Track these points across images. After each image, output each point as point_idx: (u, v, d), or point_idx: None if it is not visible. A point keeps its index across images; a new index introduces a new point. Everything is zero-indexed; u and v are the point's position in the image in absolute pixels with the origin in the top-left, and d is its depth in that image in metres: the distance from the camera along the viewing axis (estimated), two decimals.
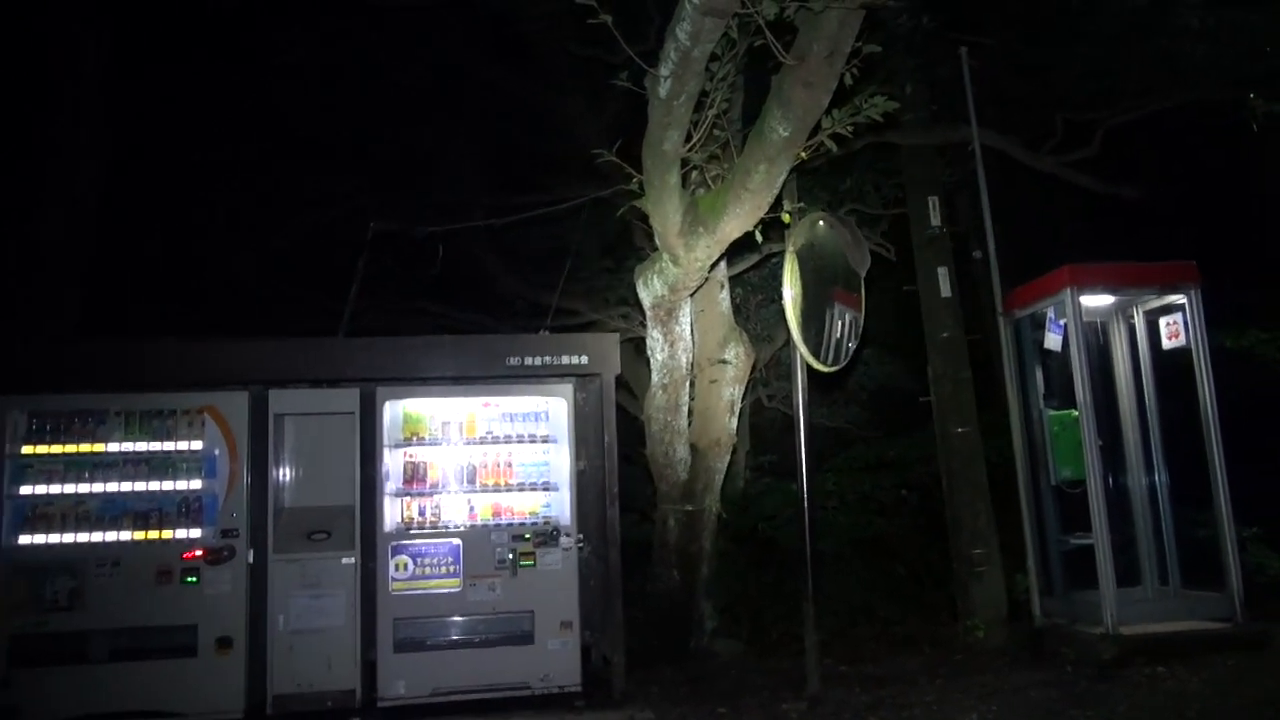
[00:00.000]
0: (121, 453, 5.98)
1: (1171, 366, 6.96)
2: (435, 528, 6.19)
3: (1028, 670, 6.43)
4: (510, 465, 6.37)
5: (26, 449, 5.90)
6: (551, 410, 6.44)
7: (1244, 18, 7.16)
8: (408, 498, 6.25)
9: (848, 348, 5.79)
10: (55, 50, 8.61)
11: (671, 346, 7.27)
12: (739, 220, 6.03)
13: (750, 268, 9.13)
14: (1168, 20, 7.16)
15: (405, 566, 6.05)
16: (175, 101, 10.44)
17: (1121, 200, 9.03)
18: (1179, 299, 6.78)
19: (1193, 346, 6.65)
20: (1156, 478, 7.11)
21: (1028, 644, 7.00)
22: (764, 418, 10.50)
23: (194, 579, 5.84)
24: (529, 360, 6.33)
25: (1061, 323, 6.81)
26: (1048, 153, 8.51)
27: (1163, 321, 6.98)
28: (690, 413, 7.67)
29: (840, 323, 5.77)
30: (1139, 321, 7.23)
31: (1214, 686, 5.53)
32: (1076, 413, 6.66)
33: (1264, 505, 7.49)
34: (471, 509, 6.30)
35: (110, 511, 5.92)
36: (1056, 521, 7.07)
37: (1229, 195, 11.89)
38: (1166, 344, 6.95)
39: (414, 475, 6.30)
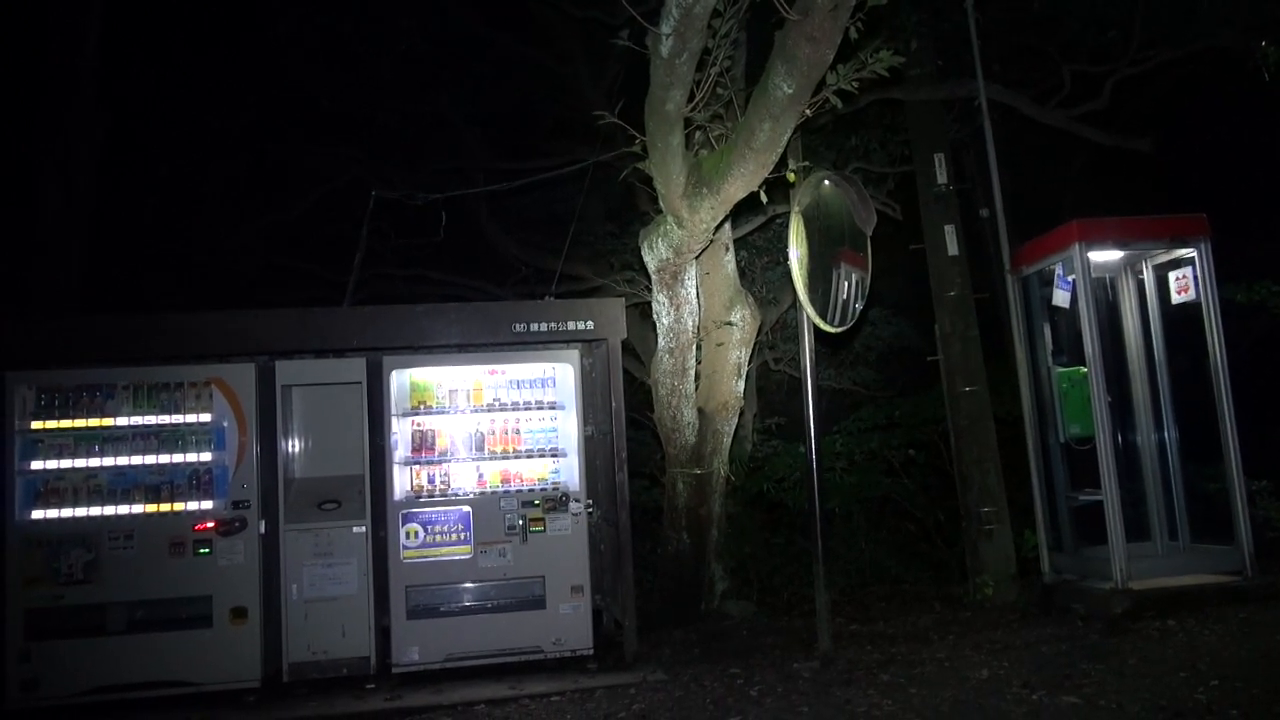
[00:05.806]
0: (130, 426, 6.00)
1: (1181, 321, 6.90)
2: (445, 495, 6.22)
3: (1038, 626, 6.44)
4: (518, 432, 6.38)
5: (36, 424, 5.92)
6: (558, 376, 6.43)
7: None
8: (417, 466, 6.27)
9: (854, 308, 5.75)
10: (54, 29, 8.51)
11: (677, 310, 7.23)
12: (743, 180, 5.96)
13: (755, 229, 9.07)
14: None
15: (416, 534, 6.08)
16: (174, 74, 10.36)
17: (1131, 154, 8.90)
18: (1188, 252, 6.69)
19: (1202, 300, 6.57)
20: (1165, 433, 7.06)
21: (1037, 600, 7.02)
22: (771, 380, 10.49)
23: (207, 550, 5.88)
24: (535, 326, 6.31)
25: (1070, 279, 6.74)
26: (1055, 106, 8.38)
27: (1172, 276, 6.89)
28: (697, 376, 7.65)
29: (847, 283, 5.72)
30: (1148, 276, 7.14)
31: (1225, 639, 5.53)
32: (1085, 369, 6.61)
33: (1273, 459, 7.46)
34: (480, 476, 6.32)
35: (121, 485, 5.95)
36: (1065, 478, 7.05)
37: (1240, 148, 11.74)
38: (1176, 298, 6.87)
39: (422, 443, 6.31)
